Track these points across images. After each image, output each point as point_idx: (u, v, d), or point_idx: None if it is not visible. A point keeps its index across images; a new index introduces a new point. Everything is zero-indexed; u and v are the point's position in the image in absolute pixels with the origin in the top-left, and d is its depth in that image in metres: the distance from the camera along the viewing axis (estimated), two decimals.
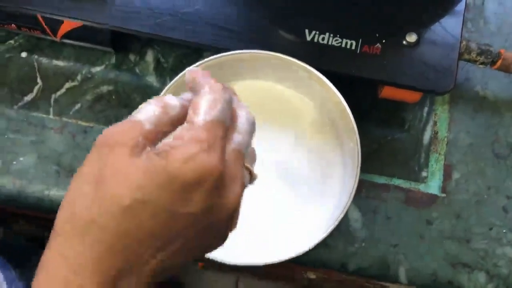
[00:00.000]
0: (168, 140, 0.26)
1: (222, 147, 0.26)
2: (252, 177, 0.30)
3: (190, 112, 0.27)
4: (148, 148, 0.26)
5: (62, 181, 0.48)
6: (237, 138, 0.28)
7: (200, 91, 0.28)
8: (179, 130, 0.27)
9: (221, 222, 0.27)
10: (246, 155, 0.29)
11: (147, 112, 0.27)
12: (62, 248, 0.25)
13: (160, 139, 0.27)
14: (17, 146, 0.49)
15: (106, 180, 0.25)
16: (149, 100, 0.27)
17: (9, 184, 0.48)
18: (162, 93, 0.44)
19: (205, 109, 0.26)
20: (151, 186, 0.24)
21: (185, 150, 0.25)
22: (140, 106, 0.27)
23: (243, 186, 0.28)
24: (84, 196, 0.25)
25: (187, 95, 0.29)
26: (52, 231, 0.25)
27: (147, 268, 0.25)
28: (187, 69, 0.29)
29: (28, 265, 0.57)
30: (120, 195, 0.24)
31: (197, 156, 0.25)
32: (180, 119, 0.28)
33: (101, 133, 0.26)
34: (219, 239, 0.29)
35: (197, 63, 0.44)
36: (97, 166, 0.25)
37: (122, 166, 0.25)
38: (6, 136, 0.50)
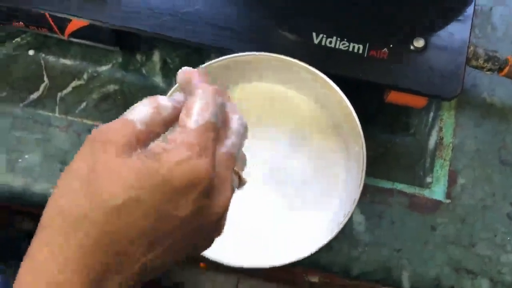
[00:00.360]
0: (160, 141, 0.27)
1: (214, 151, 0.27)
2: (241, 182, 0.30)
3: (182, 114, 0.27)
4: (139, 150, 0.26)
5: None
6: (229, 142, 0.28)
7: (193, 93, 0.28)
8: (172, 133, 0.27)
9: (209, 225, 0.27)
10: (236, 159, 0.29)
11: (140, 112, 0.27)
12: (49, 242, 0.24)
13: (152, 139, 0.27)
14: (22, 144, 0.49)
15: (98, 177, 0.25)
16: (142, 100, 0.28)
17: (14, 182, 0.48)
18: (167, 95, 0.44)
19: (197, 112, 0.27)
20: (144, 187, 0.24)
21: (178, 153, 0.25)
22: (133, 106, 0.27)
23: (232, 190, 0.28)
24: (75, 191, 0.25)
25: (179, 97, 0.29)
26: (39, 224, 0.25)
27: (136, 267, 0.25)
28: (181, 69, 0.29)
29: (16, 260, 0.57)
30: (112, 193, 0.24)
31: (189, 160, 0.25)
32: (172, 120, 0.28)
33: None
34: (207, 241, 0.29)
35: (203, 65, 0.44)
36: (89, 162, 0.25)
37: (114, 165, 0.25)
38: (12, 134, 0.50)
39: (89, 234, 0.24)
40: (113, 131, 0.26)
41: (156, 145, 0.26)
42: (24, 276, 0.24)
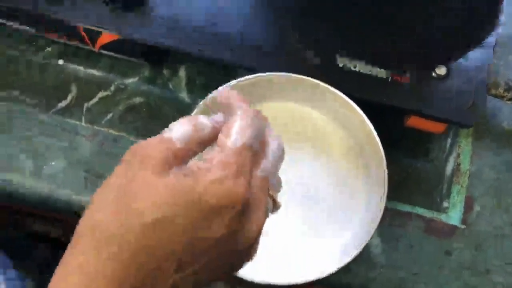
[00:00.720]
0: (197, 161, 0.27)
1: (250, 173, 0.27)
2: (275, 206, 0.31)
3: (221, 134, 0.28)
4: (176, 167, 0.26)
5: (90, 187, 0.49)
6: (265, 165, 0.29)
7: (232, 114, 0.29)
8: (209, 152, 0.27)
9: (241, 248, 0.28)
10: (272, 182, 0.30)
11: (179, 130, 0.27)
12: (85, 251, 0.25)
13: (189, 157, 0.28)
14: (49, 151, 0.51)
15: (135, 192, 0.25)
16: (181, 119, 0.28)
17: (39, 187, 0.49)
18: (194, 112, 0.45)
19: (236, 133, 0.27)
20: (178, 203, 0.25)
21: (214, 173, 0.26)
22: (172, 124, 0.28)
23: (266, 215, 0.29)
24: (111, 205, 0.25)
25: (218, 117, 0.30)
26: (74, 234, 0.26)
27: (169, 282, 0.25)
28: (220, 88, 0.30)
29: (28, 261, 0.57)
30: (148, 209, 0.25)
31: (225, 181, 0.26)
32: (210, 139, 0.29)
33: (131, 144, 0.27)
34: (241, 262, 0.30)
35: (230, 83, 0.45)
36: (126, 177, 0.26)
37: (151, 181, 0.25)
38: (40, 140, 0.51)
39: (124, 248, 0.25)
40: (152, 147, 0.26)
41: (193, 164, 0.27)
42: (57, 283, 0.25)
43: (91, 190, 0.49)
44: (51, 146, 0.51)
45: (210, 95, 0.45)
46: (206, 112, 0.44)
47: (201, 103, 0.45)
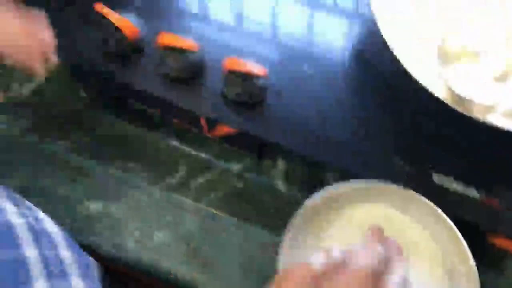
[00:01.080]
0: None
1: None
2: None
3: None
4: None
5: (190, 261, 0.54)
6: None
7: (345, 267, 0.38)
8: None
9: None
10: None
11: (316, 257, 0.38)
12: None
13: (324, 279, 0.37)
14: (156, 222, 0.56)
15: None
16: (317, 252, 0.40)
17: (144, 255, 0.54)
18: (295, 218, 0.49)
19: None
20: None
21: None
22: (315, 253, 0.39)
23: None
24: None
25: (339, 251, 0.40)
26: None
27: None
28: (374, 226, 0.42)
29: None
30: None
31: None
32: (338, 265, 0.39)
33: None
34: None
35: (325, 190, 0.50)
36: None
37: None
38: (148, 211, 0.57)
39: None
40: (294, 271, 0.38)
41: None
42: None
43: (190, 263, 0.54)
44: (157, 217, 0.56)
45: (311, 200, 0.50)
46: (313, 211, 0.48)
47: (301, 209, 0.49)
